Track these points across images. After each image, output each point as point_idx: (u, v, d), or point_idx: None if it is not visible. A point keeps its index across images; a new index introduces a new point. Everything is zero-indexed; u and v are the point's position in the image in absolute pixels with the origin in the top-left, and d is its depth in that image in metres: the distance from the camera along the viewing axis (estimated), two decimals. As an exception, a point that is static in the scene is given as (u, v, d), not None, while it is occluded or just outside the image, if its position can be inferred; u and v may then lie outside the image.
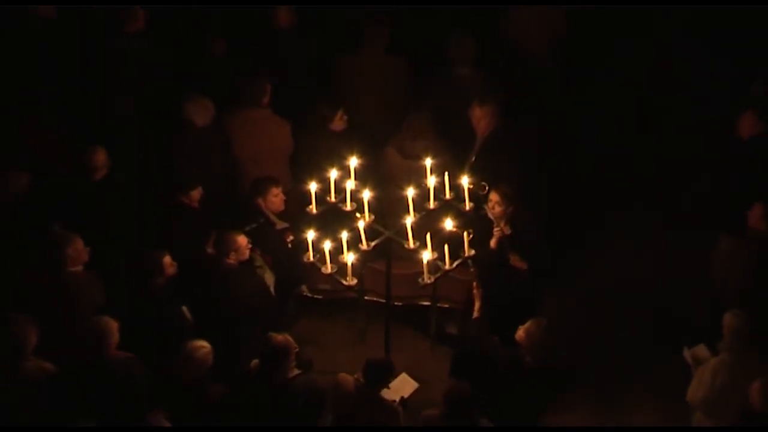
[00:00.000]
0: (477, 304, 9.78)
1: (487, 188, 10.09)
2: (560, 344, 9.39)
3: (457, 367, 10.27)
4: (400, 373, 10.03)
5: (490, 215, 10.19)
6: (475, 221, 9.96)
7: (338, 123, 11.21)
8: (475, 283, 9.85)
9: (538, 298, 10.58)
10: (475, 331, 9.72)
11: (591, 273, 11.80)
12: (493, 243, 10.13)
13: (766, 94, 11.40)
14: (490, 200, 10.18)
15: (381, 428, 9.01)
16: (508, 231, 10.15)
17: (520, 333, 9.22)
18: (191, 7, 12.32)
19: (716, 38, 12.28)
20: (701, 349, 9.98)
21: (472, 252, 9.55)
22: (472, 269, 9.88)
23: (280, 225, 10.72)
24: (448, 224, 9.40)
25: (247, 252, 10.10)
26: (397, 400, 9.69)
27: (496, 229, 10.16)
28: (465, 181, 9.81)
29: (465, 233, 9.56)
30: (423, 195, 9.75)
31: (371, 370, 9.03)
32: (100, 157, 10.49)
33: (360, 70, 11.88)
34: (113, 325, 9.09)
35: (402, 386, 9.92)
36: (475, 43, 11.71)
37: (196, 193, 10.56)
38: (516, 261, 10.18)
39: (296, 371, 9.28)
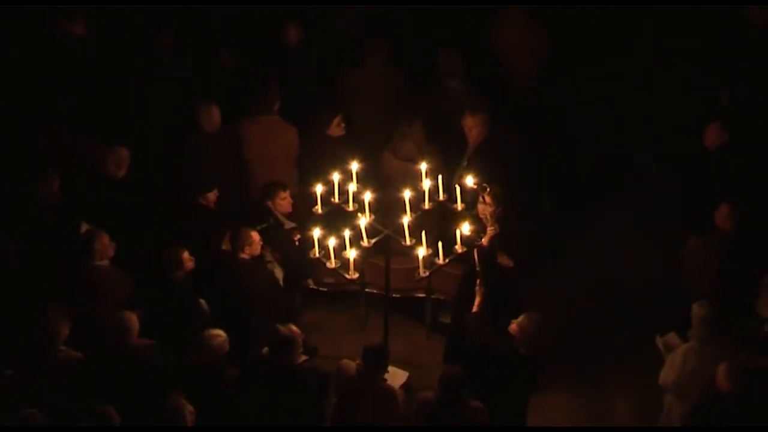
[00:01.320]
0: (477, 299, 9.67)
1: (488, 188, 10.00)
2: (550, 336, 9.33)
3: (450, 354, 10.28)
4: (395, 361, 9.96)
5: (481, 215, 10.14)
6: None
7: (335, 129, 11.25)
8: (478, 281, 9.73)
9: (528, 292, 10.54)
10: (473, 324, 9.59)
11: (575, 268, 11.83)
12: (485, 241, 10.04)
13: (731, 106, 11.45)
14: (482, 201, 10.13)
15: (386, 428, 8.97)
16: (497, 230, 10.06)
17: (514, 326, 9.18)
18: (208, 24, 12.38)
19: (689, 52, 12.24)
20: (672, 337, 10.08)
21: (464, 249, 9.56)
22: (477, 267, 9.78)
23: (288, 225, 10.73)
24: (465, 228, 9.44)
25: (260, 247, 10.09)
26: (401, 382, 9.87)
27: (489, 228, 10.08)
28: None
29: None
30: (418, 196, 9.78)
31: (369, 354, 9.02)
32: (123, 154, 10.54)
33: (361, 82, 11.84)
34: (134, 320, 9.10)
35: (393, 378, 9.80)
36: (463, 58, 11.68)
37: (212, 195, 10.58)
38: (503, 259, 10.11)
39: (303, 357, 9.35)
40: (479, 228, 9.91)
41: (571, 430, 9.25)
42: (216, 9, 12.43)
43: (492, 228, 10.10)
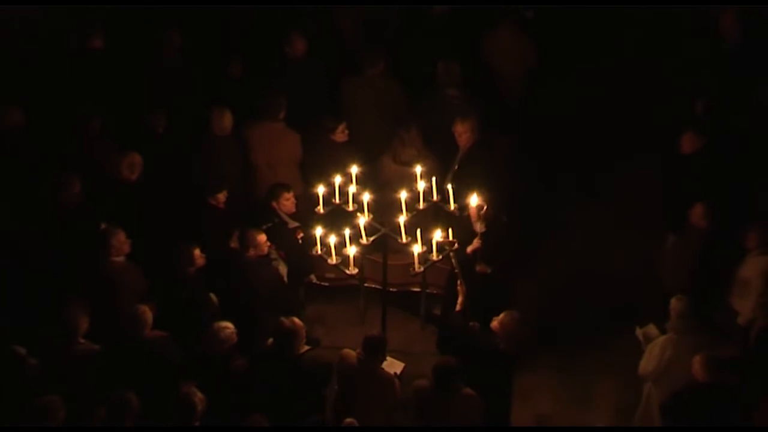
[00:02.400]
0: (460, 299, 9.71)
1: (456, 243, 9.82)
2: (530, 333, 9.39)
3: (441, 346, 10.36)
4: (392, 351, 10.01)
5: (472, 217, 10.16)
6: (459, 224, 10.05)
7: (340, 135, 11.21)
8: (459, 281, 9.75)
9: (516, 287, 10.59)
10: (458, 321, 9.67)
11: (561, 264, 11.82)
12: (469, 249, 10.11)
13: (705, 115, 11.41)
14: (473, 205, 10.07)
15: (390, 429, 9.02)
16: (483, 229, 10.07)
17: (495, 324, 9.20)
18: (215, 35, 12.32)
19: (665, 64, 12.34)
20: (651, 329, 10.06)
21: (455, 246, 9.66)
22: (456, 269, 9.83)
23: (292, 224, 10.71)
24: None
25: (266, 248, 10.09)
26: (398, 371, 9.86)
27: (479, 228, 10.10)
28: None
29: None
30: (414, 197, 9.84)
31: (369, 344, 9.07)
32: (136, 160, 10.52)
33: (361, 91, 11.81)
34: (148, 313, 9.14)
35: (390, 367, 9.78)
36: (460, 68, 11.64)
37: (222, 196, 10.55)
38: (481, 267, 10.13)
39: (306, 347, 9.48)
40: (469, 230, 9.97)
41: (570, 429, 9.21)
42: (226, 22, 12.42)
43: (480, 230, 10.11)
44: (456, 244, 9.78)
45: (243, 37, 12.42)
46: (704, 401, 8.79)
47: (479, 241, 10.07)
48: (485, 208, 10.06)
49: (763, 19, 11.94)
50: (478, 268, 10.09)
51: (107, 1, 12.34)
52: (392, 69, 11.95)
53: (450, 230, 9.66)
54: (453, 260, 9.77)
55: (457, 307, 9.73)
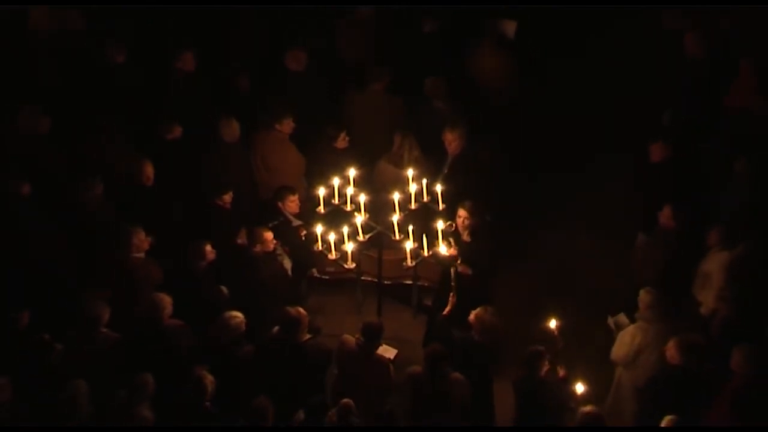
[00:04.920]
0: (449, 307, 9.80)
1: (453, 226, 9.92)
2: (502, 326, 9.32)
3: (430, 335, 10.27)
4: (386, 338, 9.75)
5: (459, 228, 10.08)
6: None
7: (341, 142, 11.19)
8: (452, 293, 9.84)
9: (497, 283, 10.53)
10: (442, 325, 9.76)
11: (542, 259, 11.77)
12: (447, 252, 9.89)
13: (672, 125, 11.42)
14: (459, 216, 10.03)
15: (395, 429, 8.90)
16: (469, 239, 9.97)
17: (472, 317, 9.24)
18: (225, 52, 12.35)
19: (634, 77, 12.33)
20: (622, 318, 10.14)
21: (453, 228, 9.71)
22: (453, 282, 9.85)
23: (296, 223, 10.70)
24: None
25: (272, 245, 10.07)
26: (392, 357, 9.80)
27: (464, 239, 10.00)
28: (438, 188, 9.91)
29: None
30: (406, 198, 9.90)
31: (367, 329, 9.09)
32: (149, 168, 10.51)
33: (363, 104, 11.79)
34: (168, 300, 9.18)
35: (384, 353, 9.68)
36: (446, 83, 11.66)
37: (228, 197, 10.53)
38: (463, 268, 10.00)
39: (308, 335, 9.40)
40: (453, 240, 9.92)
41: (572, 429, 8.98)
42: (234, 40, 12.42)
43: (466, 239, 10.03)
44: (453, 226, 9.91)
45: (250, 53, 12.38)
46: (678, 383, 8.81)
47: (454, 249, 9.98)
48: (470, 218, 10.00)
49: (725, 38, 11.97)
50: (459, 268, 10.01)
51: (131, 20, 12.41)
52: (390, 82, 11.93)
53: (439, 228, 9.65)
54: (452, 274, 9.78)
55: (445, 312, 9.80)
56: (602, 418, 8.46)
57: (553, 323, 9.33)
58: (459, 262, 9.94)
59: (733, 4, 12.05)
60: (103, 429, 8.50)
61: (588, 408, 8.48)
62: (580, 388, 8.92)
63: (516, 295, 11.13)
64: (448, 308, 9.93)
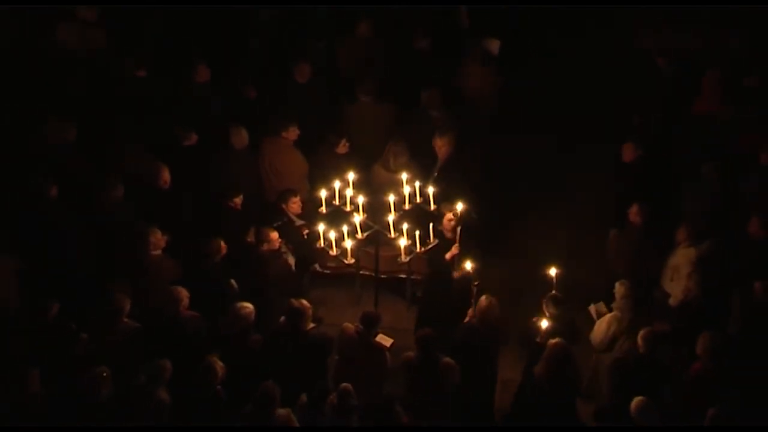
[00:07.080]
0: (471, 311, 9.41)
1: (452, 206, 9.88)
2: (498, 312, 9.30)
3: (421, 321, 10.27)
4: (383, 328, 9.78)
5: (446, 230, 10.03)
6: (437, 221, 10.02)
7: (342, 148, 11.19)
8: (472, 299, 9.38)
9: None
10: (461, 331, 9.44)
11: (526, 253, 11.51)
12: (448, 256, 9.96)
13: (641, 128, 11.47)
14: (446, 218, 10.02)
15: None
16: (456, 238, 9.88)
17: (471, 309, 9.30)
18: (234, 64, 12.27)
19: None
20: (601, 306, 10.16)
21: (436, 241, 9.66)
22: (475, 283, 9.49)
23: (299, 222, 10.71)
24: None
25: (277, 243, 10.06)
26: (388, 345, 9.81)
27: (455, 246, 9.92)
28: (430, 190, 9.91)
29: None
30: (400, 200, 9.88)
31: (366, 318, 9.14)
32: (166, 172, 10.51)
33: (360, 113, 11.78)
34: (184, 293, 9.20)
35: (381, 342, 9.65)
36: (439, 94, 11.64)
37: (238, 199, 10.53)
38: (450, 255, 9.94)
39: (311, 325, 9.42)
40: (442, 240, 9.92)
41: (575, 429, 8.88)
42: (243, 55, 12.41)
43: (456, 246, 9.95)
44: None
45: (257, 66, 12.33)
46: (641, 367, 8.89)
47: (456, 248, 9.94)
48: (456, 218, 9.97)
49: (691, 51, 12.09)
50: (448, 256, 10.00)
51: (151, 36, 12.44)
52: (384, 94, 11.89)
53: (430, 226, 9.70)
54: (474, 283, 9.50)
55: (467, 319, 9.52)
56: (568, 348, 8.70)
57: (553, 271, 9.45)
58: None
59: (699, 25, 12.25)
60: (122, 413, 8.45)
61: (555, 340, 8.69)
62: (544, 323, 9.03)
63: (498, 290, 10.84)
64: (470, 311, 9.50)
